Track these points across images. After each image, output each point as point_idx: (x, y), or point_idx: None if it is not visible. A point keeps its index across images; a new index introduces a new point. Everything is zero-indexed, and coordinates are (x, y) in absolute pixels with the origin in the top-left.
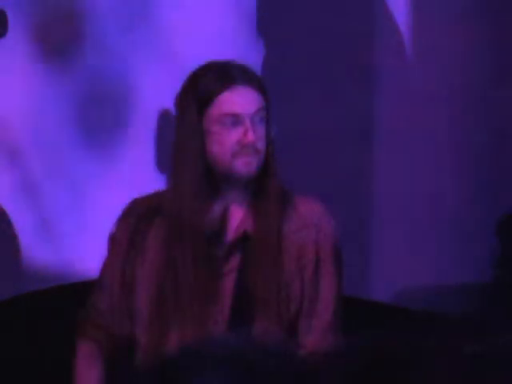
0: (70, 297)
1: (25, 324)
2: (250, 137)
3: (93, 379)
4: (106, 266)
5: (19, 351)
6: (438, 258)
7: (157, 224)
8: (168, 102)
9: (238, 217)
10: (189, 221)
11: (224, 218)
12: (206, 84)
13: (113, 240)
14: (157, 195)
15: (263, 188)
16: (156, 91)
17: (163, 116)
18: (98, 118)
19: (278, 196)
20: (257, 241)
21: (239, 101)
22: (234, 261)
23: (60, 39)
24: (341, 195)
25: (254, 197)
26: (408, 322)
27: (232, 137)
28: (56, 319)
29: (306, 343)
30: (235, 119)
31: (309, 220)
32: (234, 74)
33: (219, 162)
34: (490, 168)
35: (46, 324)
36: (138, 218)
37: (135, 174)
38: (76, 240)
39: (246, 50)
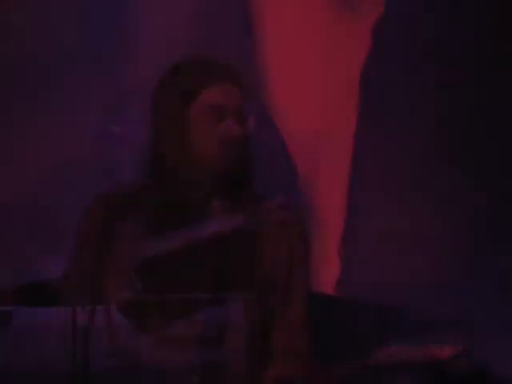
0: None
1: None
2: (235, 131)
3: None
4: (74, 262)
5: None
6: None
7: (133, 212)
8: None
9: (216, 211)
10: (168, 208)
11: (202, 210)
12: (191, 77)
13: (80, 236)
14: (130, 185)
15: (239, 188)
16: None
17: None
18: None
19: (251, 197)
20: (231, 240)
21: (224, 95)
22: (212, 253)
23: None
24: None
25: (230, 194)
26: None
27: (215, 129)
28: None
29: (276, 341)
30: (219, 113)
31: (281, 221)
32: (219, 70)
33: (200, 151)
34: None
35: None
36: (108, 210)
37: None
38: None
39: None
